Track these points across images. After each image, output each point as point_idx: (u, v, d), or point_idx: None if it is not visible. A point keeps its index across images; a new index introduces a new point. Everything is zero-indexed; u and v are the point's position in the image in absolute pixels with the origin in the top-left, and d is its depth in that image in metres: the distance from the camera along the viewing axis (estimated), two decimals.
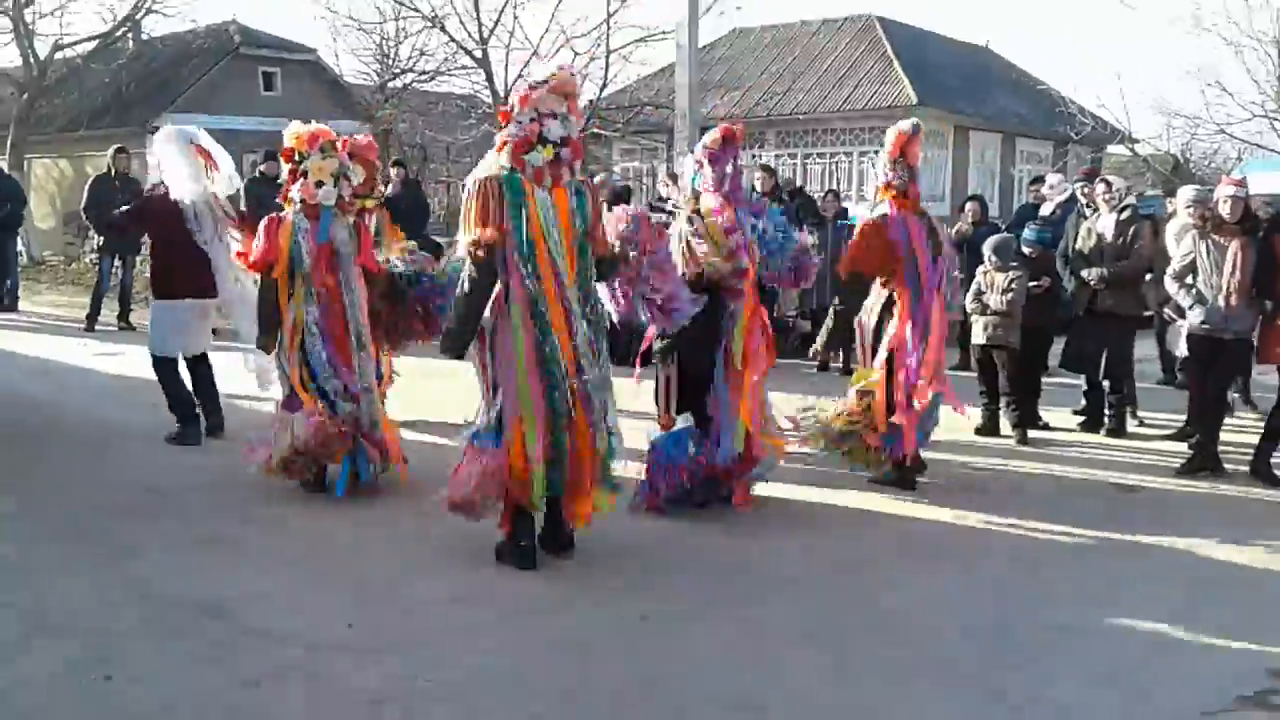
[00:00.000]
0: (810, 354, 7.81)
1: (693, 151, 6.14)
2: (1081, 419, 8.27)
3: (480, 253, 4.74)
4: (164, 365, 7.25)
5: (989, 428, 7.94)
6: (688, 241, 5.75)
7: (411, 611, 4.44)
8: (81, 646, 4.06)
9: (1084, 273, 7.78)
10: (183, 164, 7.04)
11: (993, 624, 4.44)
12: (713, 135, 5.90)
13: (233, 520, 5.62)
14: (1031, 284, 7.95)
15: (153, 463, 6.76)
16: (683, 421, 5.94)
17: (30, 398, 8.70)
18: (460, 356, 4.94)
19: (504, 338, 4.85)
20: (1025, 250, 8.31)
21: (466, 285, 4.85)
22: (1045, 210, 10.27)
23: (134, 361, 9.38)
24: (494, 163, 4.88)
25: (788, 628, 4.39)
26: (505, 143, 4.84)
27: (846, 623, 4.45)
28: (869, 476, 6.55)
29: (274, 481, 6.02)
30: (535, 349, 4.80)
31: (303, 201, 5.99)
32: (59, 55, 23.12)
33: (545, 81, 4.85)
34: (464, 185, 4.98)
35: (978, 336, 7.93)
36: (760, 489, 6.19)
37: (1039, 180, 11.94)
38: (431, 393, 8.03)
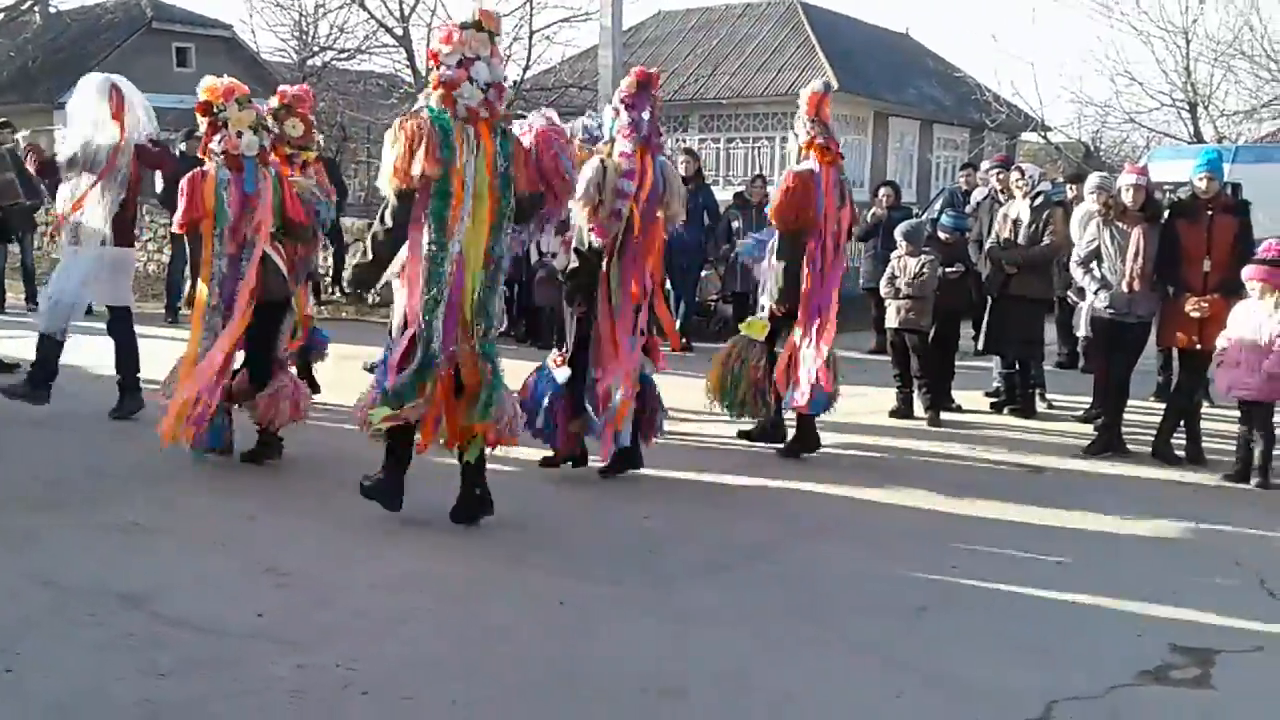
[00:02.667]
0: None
1: (610, 101, 6.19)
2: (994, 400, 8.48)
3: (404, 187, 4.79)
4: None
5: (903, 410, 8.09)
6: (598, 185, 5.78)
7: (330, 600, 4.39)
8: None
9: (1001, 257, 7.96)
10: (88, 108, 6.83)
11: (908, 603, 4.54)
12: (628, 80, 5.99)
13: (142, 506, 5.50)
14: (947, 269, 8.11)
15: (57, 449, 6.58)
16: (563, 375, 6.00)
17: None
18: (368, 289, 5.12)
19: (410, 270, 4.92)
20: (941, 236, 8.49)
21: (387, 221, 4.93)
22: (977, 196, 10.40)
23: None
24: (421, 105, 4.95)
25: (706, 610, 4.43)
26: (438, 83, 4.88)
27: (765, 603, 4.51)
28: (741, 430, 6.85)
29: (177, 460, 5.97)
30: (423, 278, 4.88)
31: (225, 153, 5.91)
32: None
33: (472, 23, 4.91)
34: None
35: (891, 320, 8.08)
36: (671, 470, 6.30)
37: (970, 166, 12.13)
38: (357, 375, 7.93)
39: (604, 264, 5.91)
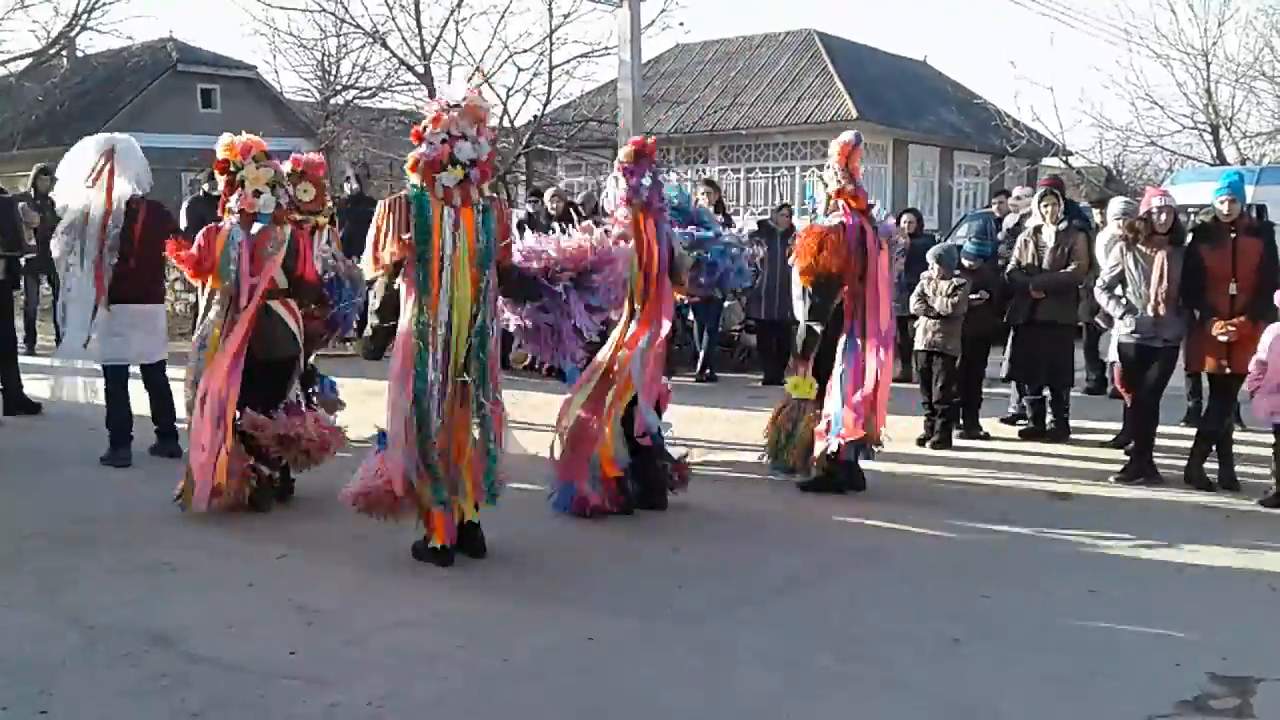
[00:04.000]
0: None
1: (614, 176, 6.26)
2: (1023, 427, 8.44)
3: (386, 267, 5.05)
4: (113, 375, 7.15)
5: (929, 437, 8.06)
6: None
7: (359, 638, 4.39)
8: (16, 679, 3.96)
9: (1025, 283, 7.95)
10: (78, 171, 6.94)
11: (940, 635, 4.49)
12: (625, 150, 6.08)
13: (173, 547, 5.53)
14: (972, 295, 8.11)
15: (89, 490, 6.64)
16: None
17: None
18: (378, 358, 5.37)
19: (397, 349, 5.11)
20: (965, 263, 8.48)
21: (375, 302, 5.28)
22: (1009, 223, 10.39)
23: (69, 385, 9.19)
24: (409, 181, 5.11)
25: (738, 645, 4.40)
26: (417, 161, 5.01)
27: (795, 638, 4.48)
28: (798, 481, 6.70)
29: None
30: (412, 360, 5.01)
31: (241, 211, 5.97)
32: None
33: (458, 105, 5.04)
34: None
35: (918, 342, 8.08)
36: (699, 502, 6.29)
37: (1004, 193, 12.15)
38: (371, 411, 7.94)
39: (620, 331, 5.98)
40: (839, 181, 6.53)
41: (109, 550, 5.49)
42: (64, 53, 24.74)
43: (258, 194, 5.97)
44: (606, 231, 5.86)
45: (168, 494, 6.11)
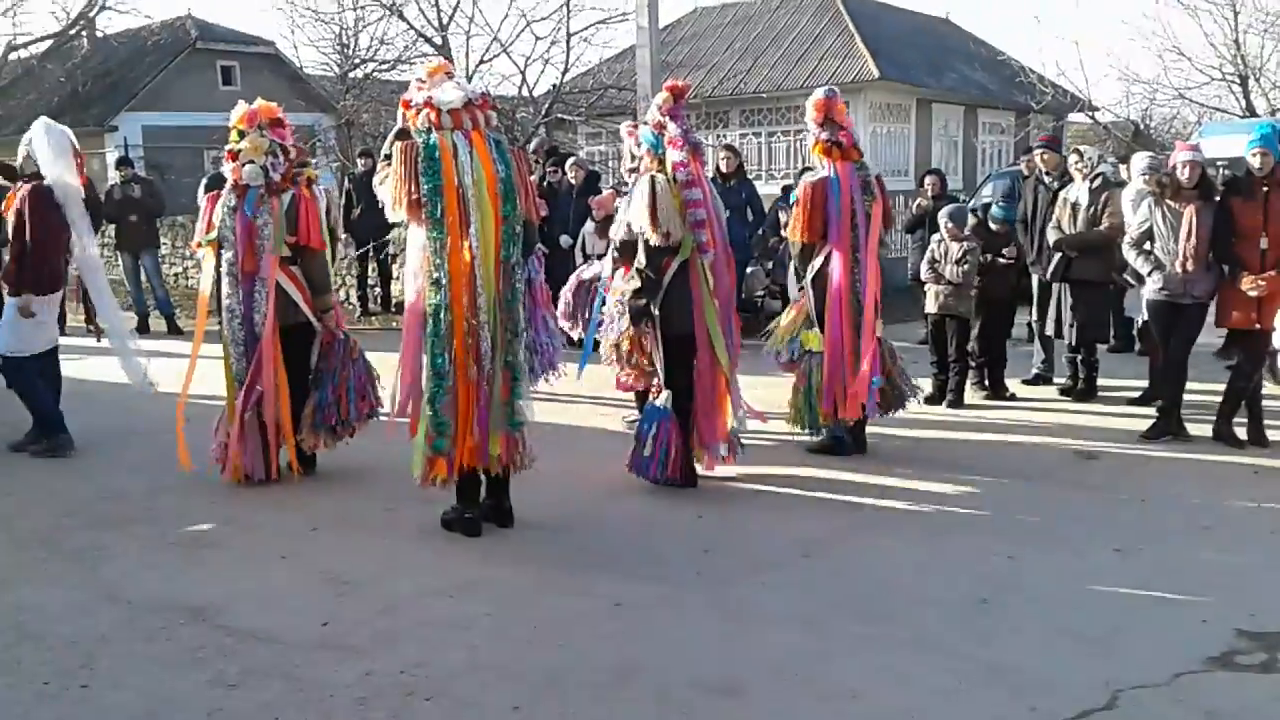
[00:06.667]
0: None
1: (644, 123, 6.18)
2: (1062, 386, 8.40)
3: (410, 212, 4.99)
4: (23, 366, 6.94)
5: (937, 397, 8.08)
6: (653, 203, 5.74)
7: (392, 608, 4.46)
8: (58, 654, 4.05)
9: (1056, 240, 7.89)
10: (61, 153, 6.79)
11: (966, 593, 4.51)
12: (663, 96, 6.00)
13: (204, 521, 5.62)
14: (1003, 251, 8.08)
15: (118, 467, 6.73)
16: (664, 400, 5.98)
17: None
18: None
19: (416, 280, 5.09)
20: (992, 225, 8.44)
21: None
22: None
23: (94, 365, 9.29)
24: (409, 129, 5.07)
25: (763, 608, 4.43)
26: (417, 109, 5.01)
27: (821, 600, 4.50)
28: (808, 446, 6.72)
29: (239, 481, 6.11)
30: (423, 305, 5.02)
31: (233, 182, 6.05)
32: (13, 56, 22.87)
33: (424, 79, 5.11)
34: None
35: (930, 305, 8.10)
36: (721, 468, 6.28)
37: (1029, 150, 12.02)
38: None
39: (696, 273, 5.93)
40: (816, 135, 6.52)
41: (143, 526, 5.58)
42: (84, 33, 24.90)
43: (248, 164, 6.02)
44: (652, 179, 5.79)
45: (203, 470, 6.19)
